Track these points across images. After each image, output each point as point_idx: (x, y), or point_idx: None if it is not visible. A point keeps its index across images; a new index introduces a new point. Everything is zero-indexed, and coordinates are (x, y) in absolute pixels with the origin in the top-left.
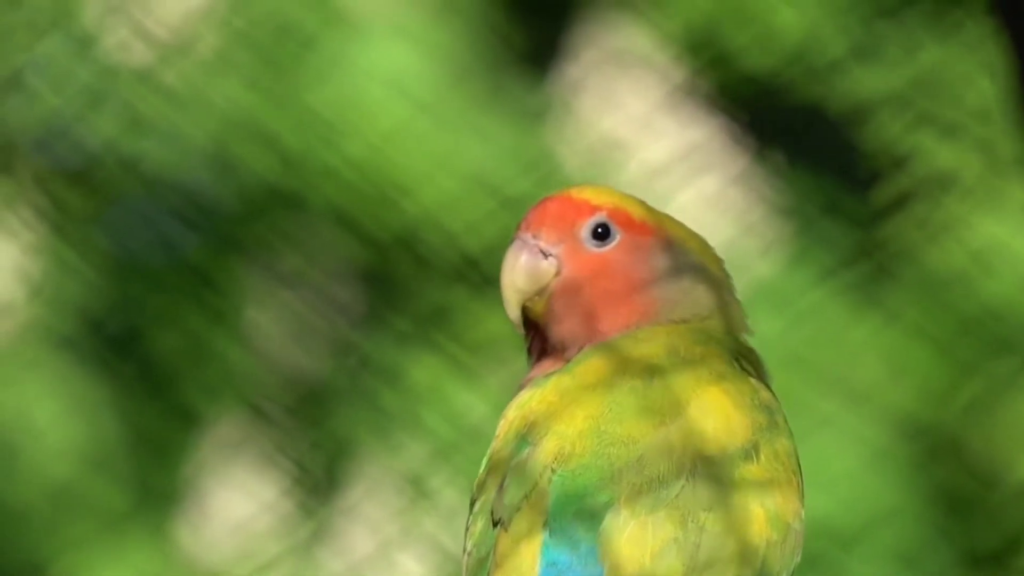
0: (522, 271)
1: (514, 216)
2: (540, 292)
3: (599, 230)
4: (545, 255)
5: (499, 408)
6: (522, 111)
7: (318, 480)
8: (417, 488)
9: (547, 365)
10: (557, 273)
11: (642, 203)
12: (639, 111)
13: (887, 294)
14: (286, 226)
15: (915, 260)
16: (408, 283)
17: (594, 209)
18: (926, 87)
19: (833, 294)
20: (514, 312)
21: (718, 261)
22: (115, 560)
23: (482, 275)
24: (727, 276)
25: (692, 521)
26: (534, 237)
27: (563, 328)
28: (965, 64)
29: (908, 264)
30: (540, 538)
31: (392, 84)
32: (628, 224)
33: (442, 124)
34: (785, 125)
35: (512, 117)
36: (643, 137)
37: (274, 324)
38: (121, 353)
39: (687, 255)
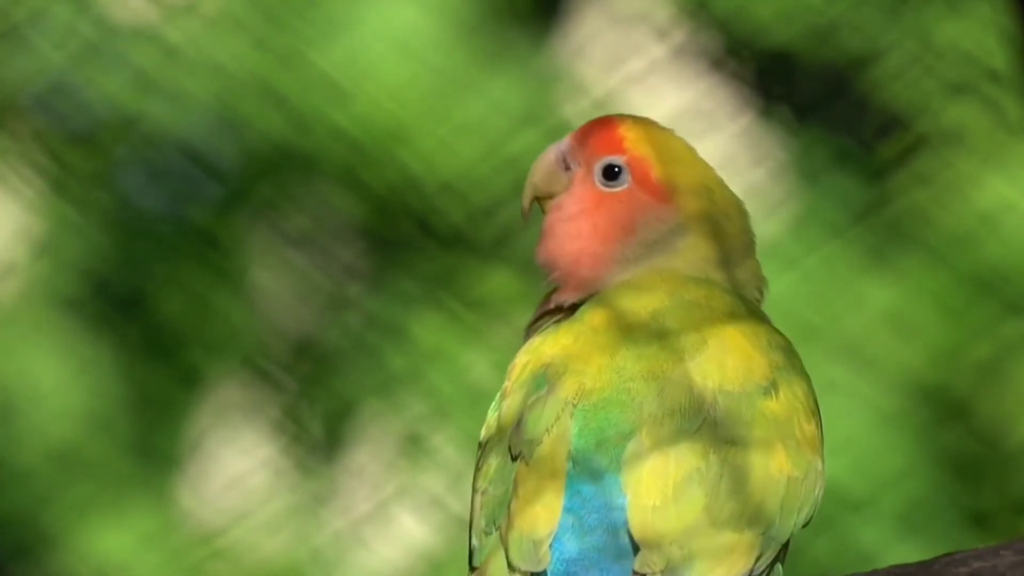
0: (541, 167)
1: (518, 174)
2: (550, 197)
3: (613, 170)
4: (567, 167)
5: (501, 367)
6: (527, 70)
7: (320, 439)
8: (418, 446)
9: (547, 307)
10: (565, 189)
11: (684, 161)
12: (643, 69)
13: (894, 255)
14: (291, 186)
15: (923, 221)
16: (412, 241)
17: (621, 149)
18: (934, 45)
19: (839, 254)
20: (525, 200)
21: (736, 238)
22: (117, 521)
23: (486, 233)
24: (742, 259)
25: (714, 454)
26: (569, 146)
27: (543, 247)
28: (973, 23)
29: (916, 225)
30: (564, 470)
31: (398, 43)
32: (642, 178)
33: (448, 83)
34: (791, 83)
35: (517, 76)
36: (647, 95)
37: (278, 284)
38: (125, 314)
39: (684, 232)
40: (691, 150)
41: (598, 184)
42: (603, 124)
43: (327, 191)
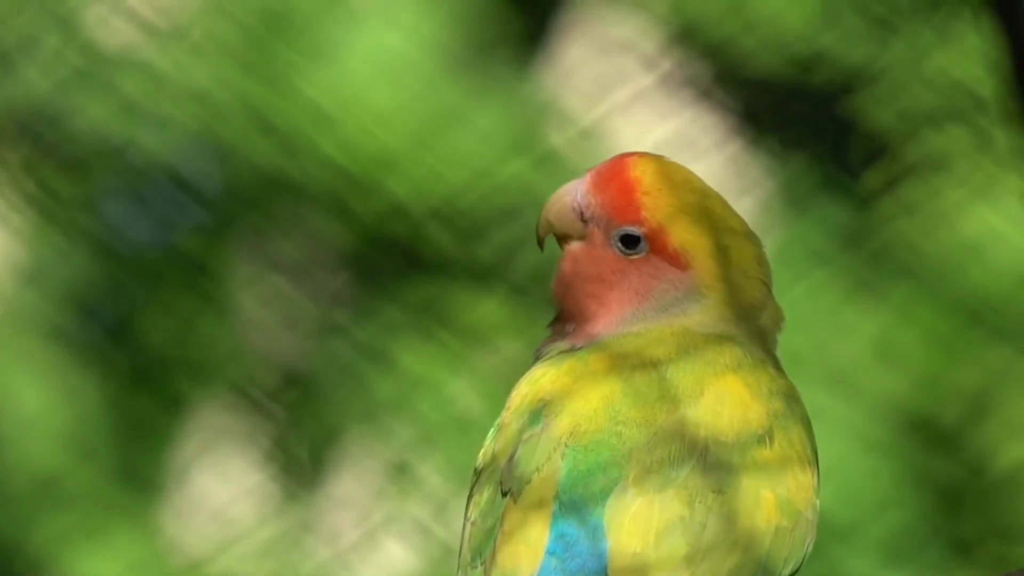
0: (557, 209)
1: (505, 202)
2: (564, 236)
3: (631, 238)
4: (583, 216)
5: (489, 395)
6: (514, 98)
7: (306, 466)
8: (405, 474)
9: (556, 339)
10: (580, 238)
11: (702, 222)
12: (630, 98)
13: (881, 284)
14: (278, 213)
15: (910, 249)
16: (399, 269)
17: (639, 219)
18: (922, 74)
19: (826, 283)
20: (540, 232)
21: (752, 292)
22: (102, 547)
23: (474, 261)
24: (758, 312)
25: (700, 502)
26: (586, 199)
27: (557, 290)
28: (961, 52)
29: (902, 253)
30: (550, 510)
31: (385, 71)
32: (660, 248)
33: (435, 111)
34: (779, 111)
35: (504, 103)
36: (634, 124)
37: (265, 311)
38: (111, 341)
39: (699, 296)
40: (708, 198)
41: (615, 249)
42: (621, 183)
43: (314, 218)
